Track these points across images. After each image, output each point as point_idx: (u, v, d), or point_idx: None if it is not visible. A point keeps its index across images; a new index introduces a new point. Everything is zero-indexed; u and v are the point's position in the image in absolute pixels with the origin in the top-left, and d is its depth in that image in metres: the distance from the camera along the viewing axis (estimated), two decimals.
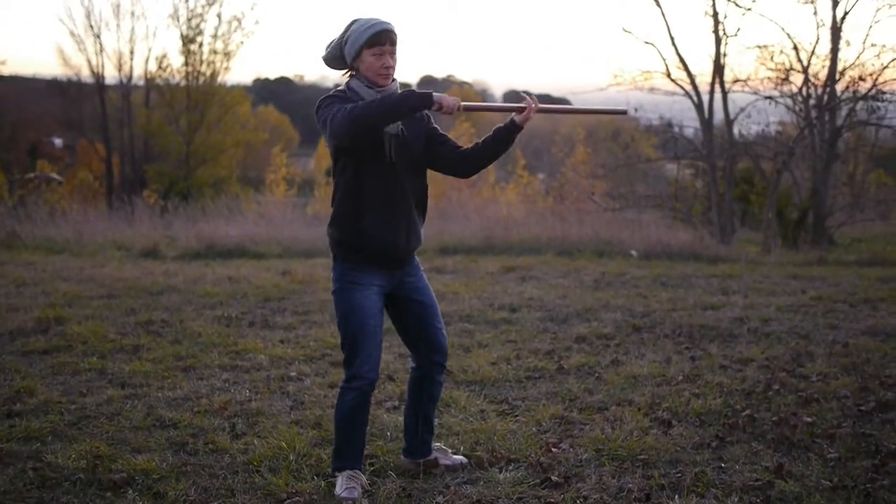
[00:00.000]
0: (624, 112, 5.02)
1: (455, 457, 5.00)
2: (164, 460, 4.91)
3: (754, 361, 7.17)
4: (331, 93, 4.56)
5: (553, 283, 11.04)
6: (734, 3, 17.62)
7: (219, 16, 39.07)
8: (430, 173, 4.80)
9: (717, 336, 8.16)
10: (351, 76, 4.58)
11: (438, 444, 5.09)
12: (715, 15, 17.79)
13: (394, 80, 4.54)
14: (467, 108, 4.55)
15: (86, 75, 41.35)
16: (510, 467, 4.88)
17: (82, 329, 8.06)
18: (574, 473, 4.80)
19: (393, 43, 4.47)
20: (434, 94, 4.36)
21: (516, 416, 5.81)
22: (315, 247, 14.61)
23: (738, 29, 17.96)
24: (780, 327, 8.49)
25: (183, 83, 39.39)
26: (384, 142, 4.49)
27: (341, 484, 4.53)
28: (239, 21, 39.00)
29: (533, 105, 4.57)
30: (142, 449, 5.12)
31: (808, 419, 5.63)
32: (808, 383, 6.52)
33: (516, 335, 8.16)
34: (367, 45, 4.44)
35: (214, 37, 39.04)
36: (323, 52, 4.67)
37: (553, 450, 5.13)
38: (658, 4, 18.41)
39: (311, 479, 4.68)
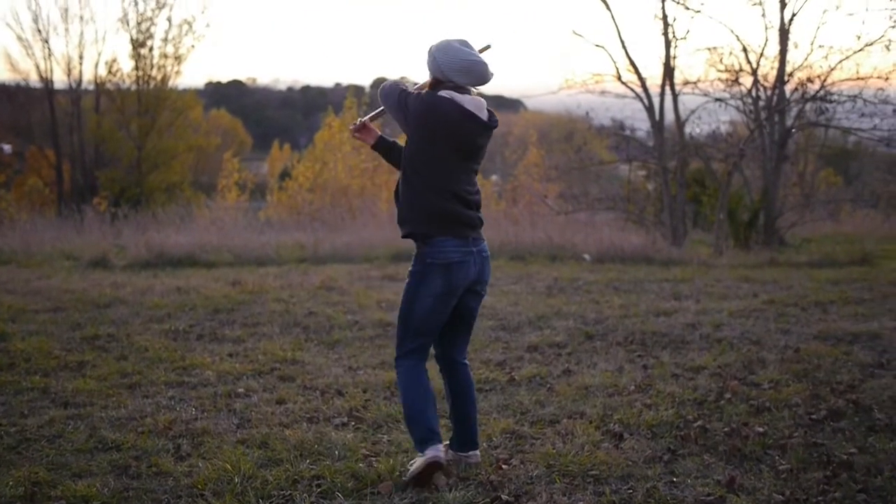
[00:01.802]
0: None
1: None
2: (105, 485, 4.78)
3: (706, 369, 7.15)
4: None
5: (505, 290, 10.98)
6: (683, 5, 17.66)
7: (169, 19, 38.64)
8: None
9: (669, 343, 8.14)
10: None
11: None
12: (664, 18, 17.81)
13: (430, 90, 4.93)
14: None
15: (34, 80, 40.78)
16: (460, 486, 4.81)
17: (26, 345, 7.89)
18: (524, 491, 4.74)
19: None
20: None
21: None
22: (266, 255, 14.48)
23: (688, 31, 18.10)
24: (731, 333, 8.48)
25: (133, 87, 38.95)
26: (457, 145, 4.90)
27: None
28: (190, 24, 38.63)
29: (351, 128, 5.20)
30: (83, 474, 4.99)
31: (760, 429, 5.61)
32: (759, 391, 6.51)
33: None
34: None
35: (165, 40, 38.65)
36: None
37: (503, 466, 5.07)
38: (608, 7, 18.41)
39: (255, 503, 4.58)
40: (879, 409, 6.04)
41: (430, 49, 4.86)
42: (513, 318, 9.20)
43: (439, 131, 4.74)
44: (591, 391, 6.57)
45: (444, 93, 4.79)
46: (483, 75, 4.83)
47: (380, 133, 5.26)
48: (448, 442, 5.17)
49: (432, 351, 5.15)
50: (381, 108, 5.09)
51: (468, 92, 4.86)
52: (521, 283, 11.60)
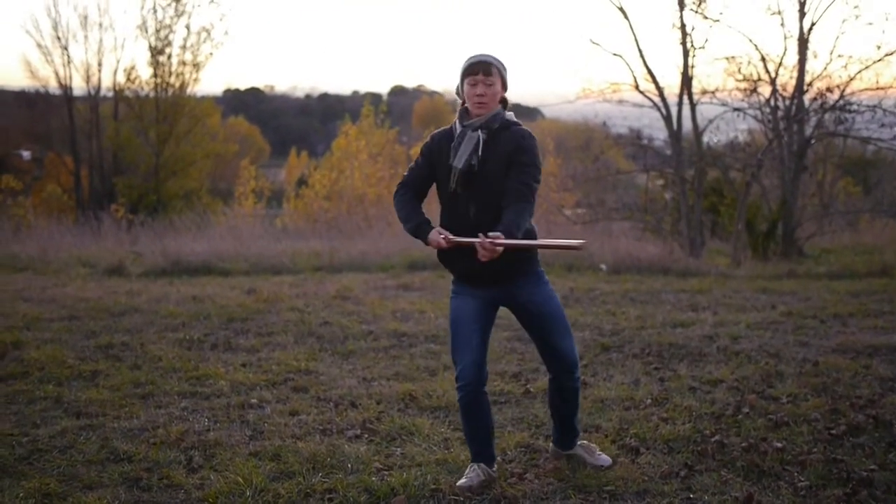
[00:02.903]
0: (578, 247, 4.62)
1: (600, 456, 5.27)
2: (116, 498, 4.75)
3: (724, 382, 7.07)
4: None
5: None
6: (702, 15, 17.58)
7: (188, 27, 38.84)
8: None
9: (686, 355, 8.07)
10: (462, 104, 4.91)
11: (585, 441, 5.40)
12: (683, 27, 17.73)
13: (500, 109, 4.85)
14: (449, 242, 4.74)
15: (53, 87, 41.07)
16: (473, 500, 4.75)
17: (40, 354, 7.87)
18: None
19: (487, 73, 4.76)
20: (428, 237, 4.80)
21: None
22: (282, 263, 14.45)
23: (706, 40, 17.90)
24: (749, 345, 8.40)
25: (152, 95, 39.17)
26: (450, 175, 4.82)
27: (465, 474, 4.95)
28: (208, 32, 38.84)
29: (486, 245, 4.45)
30: (94, 485, 4.96)
31: (779, 444, 5.52)
32: (778, 405, 6.43)
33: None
34: (464, 76, 4.82)
35: (183, 48, 38.85)
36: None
37: (518, 481, 5.01)
38: (626, 16, 18.35)
39: None
40: None
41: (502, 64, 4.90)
42: None
43: None
44: (607, 404, 6.50)
45: (513, 118, 4.91)
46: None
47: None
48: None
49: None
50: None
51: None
52: None
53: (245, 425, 6.06)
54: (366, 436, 5.82)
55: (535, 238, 4.86)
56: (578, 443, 5.32)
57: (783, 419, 6.05)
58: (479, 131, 4.77)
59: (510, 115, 4.85)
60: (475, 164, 4.74)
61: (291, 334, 8.91)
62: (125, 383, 7.04)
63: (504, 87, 4.86)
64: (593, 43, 18.64)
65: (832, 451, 5.47)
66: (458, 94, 4.92)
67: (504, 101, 4.89)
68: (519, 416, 6.29)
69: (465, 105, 4.87)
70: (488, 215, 4.74)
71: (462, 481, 4.88)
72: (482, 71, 4.75)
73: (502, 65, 4.84)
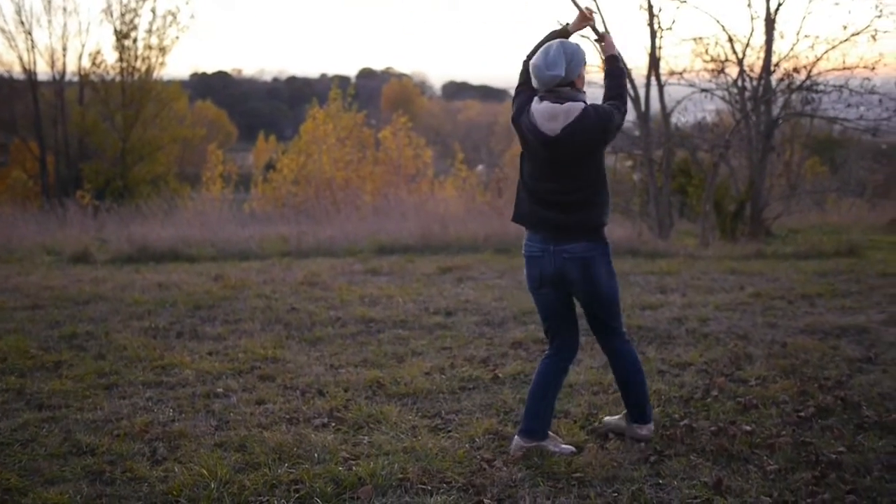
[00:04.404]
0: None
1: (563, 445, 5.26)
2: (78, 492, 4.67)
3: (693, 365, 7.06)
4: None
5: (490, 284, 10.89)
6: None
7: (153, 10, 38.54)
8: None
9: (655, 338, 8.05)
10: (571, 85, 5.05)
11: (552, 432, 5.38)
12: (650, 8, 17.65)
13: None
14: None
15: (17, 72, 40.61)
16: (441, 489, 4.70)
17: (2, 345, 7.77)
18: (508, 495, 4.64)
19: None
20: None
21: (449, 431, 5.63)
22: (249, 248, 14.35)
23: (674, 21, 17.92)
24: (718, 327, 8.40)
25: (118, 79, 38.82)
26: None
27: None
28: (174, 15, 38.55)
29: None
30: (56, 480, 4.87)
31: (748, 428, 5.52)
32: (746, 388, 6.43)
33: (451, 341, 7.99)
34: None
35: (149, 32, 38.55)
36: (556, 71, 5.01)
37: (486, 468, 4.97)
38: None
39: None
40: (868, 406, 5.96)
41: (532, 55, 5.22)
42: (497, 314, 9.10)
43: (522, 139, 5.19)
44: (576, 389, 6.47)
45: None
46: (540, 78, 5.02)
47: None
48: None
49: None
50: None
51: (548, 97, 5.04)
52: (506, 276, 11.49)
53: (210, 415, 5.99)
54: (333, 424, 5.76)
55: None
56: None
57: (752, 402, 6.04)
58: None
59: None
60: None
61: (258, 321, 8.83)
62: (89, 374, 6.94)
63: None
64: (560, 24, 18.54)
65: (801, 434, 5.46)
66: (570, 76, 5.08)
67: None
68: (488, 402, 6.23)
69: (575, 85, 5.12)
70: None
71: (608, 418, 5.60)
72: None
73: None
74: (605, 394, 6.35)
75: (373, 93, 73.34)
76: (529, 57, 5.25)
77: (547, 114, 4.97)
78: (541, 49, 5.07)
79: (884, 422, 5.65)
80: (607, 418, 5.65)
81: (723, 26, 18.18)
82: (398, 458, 5.10)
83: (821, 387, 6.42)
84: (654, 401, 6.11)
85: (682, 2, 17.53)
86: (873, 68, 17.05)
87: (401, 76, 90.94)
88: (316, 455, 5.16)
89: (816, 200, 23.07)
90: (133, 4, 38.12)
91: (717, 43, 18.04)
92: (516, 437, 5.25)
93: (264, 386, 6.64)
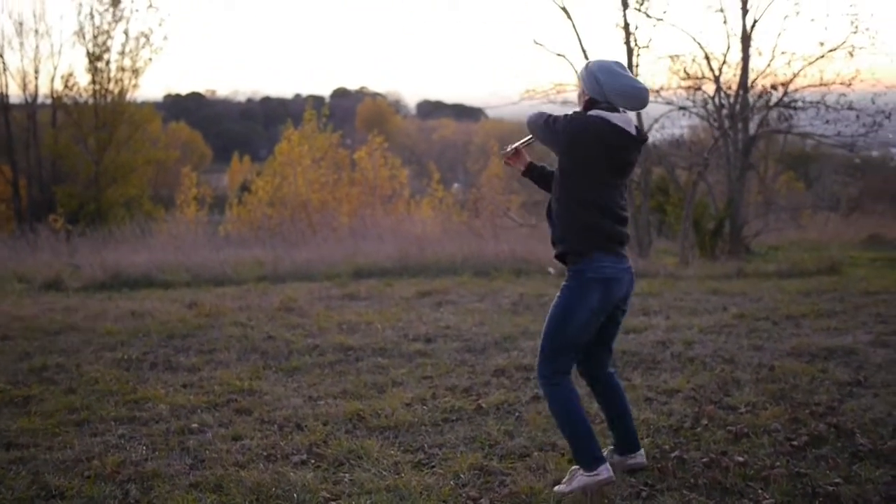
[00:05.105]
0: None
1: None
2: None
3: (680, 392, 6.90)
4: None
5: (470, 308, 10.71)
6: (645, 13, 17.48)
7: (126, 32, 38.14)
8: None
9: (640, 363, 7.89)
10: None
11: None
12: (626, 26, 17.62)
13: (582, 109, 5.03)
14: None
15: None
16: None
17: None
18: None
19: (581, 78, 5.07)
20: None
21: (433, 467, 5.44)
22: (224, 273, 14.14)
23: (650, 39, 17.85)
24: (703, 350, 8.25)
25: (91, 101, 38.44)
26: None
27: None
28: (147, 37, 38.14)
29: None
30: None
31: (740, 458, 5.35)
32: (736, 415, 6.27)
33: (432, 370, 7.80)
34: None
35: (122, 54, 38.16)
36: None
37: None
38: (569, 17, 18.21)
39: None
40: (862, 434, 5.80)
41: (591, 69, 4.99)
42: (478, 339, 8.92)
43: (592, 150, 4.84)
44: None
45: (593, 113, 4.91)
46: (644, 101, 4.98)
47: (530, 159, 5.49)
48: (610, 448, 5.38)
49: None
50: (530, 136, 5.25)
51: (617, 110, 4.97)
52: (487, 300, 11.33)
53: (185, 453, 5.77)
54: (312, 461, 5.56)
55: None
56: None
57: (743, 431, 5.89)
58: None
59: (594, 111, 4.92)
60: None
61: (234, 351, 8.63)
62: (59, 409, 6.71)
63: (584, 89, 5.01)
64: (537, 43, 18.47)
65: (795, 465, 5.30)
66: (599, 95, 5.05)
67: (588, 102, 4.98)
68: (472, 434, 6.04)
69: None
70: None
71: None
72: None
73: (582, 69, 5.06)
74: (592, 424, 6.14)
75: (347, 112, 73.19)
76: (546, 118, 5.04)
77: (624, 120, 4.93)
78: (624, 73, 4.97)
79: (879, 450, 5.49)
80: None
81: (699, 44, 18.18)
82: (381, 497, 4.92)
83: (812, 413, 6.27)
84: (644, 430, 5.95)
85: (658, 20, 17.50)
86: (850, 84, 17.08)
87: (375, 95, 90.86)
88: (295, 495, 4.96)
89: (791, 216, 23.03)
90: (105, 26, 37.78)
91: (693, 60, 18.02)
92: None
93: (241, 420, 6.43)
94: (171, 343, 9.05)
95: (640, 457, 5.31)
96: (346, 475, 5.31)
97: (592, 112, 4.91)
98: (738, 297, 11.19)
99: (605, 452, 5.26)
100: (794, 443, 5.68)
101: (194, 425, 6.31)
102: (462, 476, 5.27)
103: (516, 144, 5.44)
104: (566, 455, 5.53)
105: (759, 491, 4.92)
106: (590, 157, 4.85)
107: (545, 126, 4.97)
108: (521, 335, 9.07)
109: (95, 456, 5.69)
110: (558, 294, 5.00)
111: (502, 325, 9.59)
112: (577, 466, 4.97)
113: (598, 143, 4.82)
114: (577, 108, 5.08)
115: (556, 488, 4.96)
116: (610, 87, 4.88)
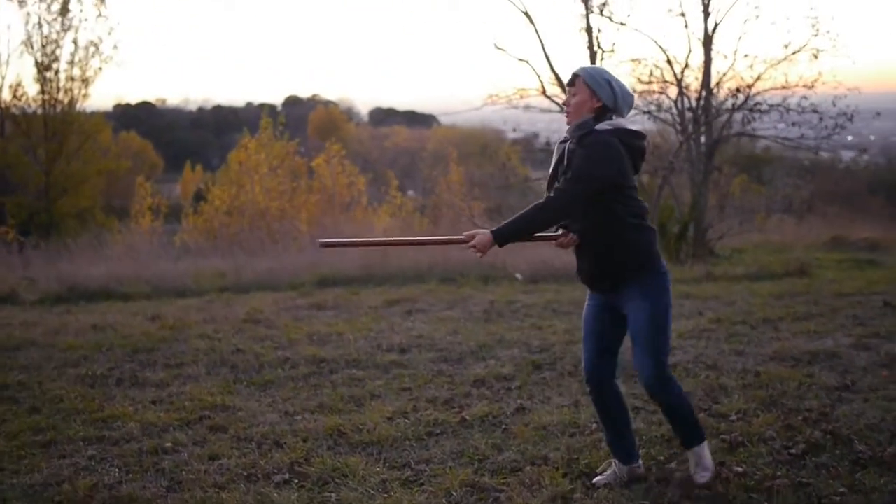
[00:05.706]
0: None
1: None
2: None
3: None
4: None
5: (441, 317, 10.48)
6: (608, 18, 17.36)
7: (75, 42, 37.54)
8: None
9: (622, 371, 7.67)
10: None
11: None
12: (589, 30, 17.50)
13: (590, 117, 4.84)
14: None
15: None
16: None
17: None
18: None
19: (571, 83, 4.92)
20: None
21: (422, 484, 5.21)
22: (185, 284, 13.81)
23: (614, 44, 17.69)
24: (685, 356, 8.09)
25: (39, 111, 37.85)
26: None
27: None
28: (97, 46, 37.60)
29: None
30: None
31: (739, 469, 5.18)
32: (728, 424, 6.10)
33: (410, 381, 7.57)
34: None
35: (71, 63, 37.58)
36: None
37: None
38: (531, 21, 18.05)
39: None
40: (859, 441, 5.65)
41: (604, 77, 4.86)
42: (454, 349, 8.70)
43: (625, 161, 4.79)
44: (551, 431, 6.08)
45: (607, 125, 4.79)
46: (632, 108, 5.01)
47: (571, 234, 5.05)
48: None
49: None
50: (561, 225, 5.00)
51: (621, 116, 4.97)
52: (457, 307, 11.11)
53: (160, 474, 5.50)
54: (295, 480, 5.31)
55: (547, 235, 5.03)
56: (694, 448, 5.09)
57: (738, 439, 5.72)
58: (567, 142, 4.89)
59: (607, 122, 4.80)
60: (560, 173, 4.89)
61: (202, 364, 8.34)
62: (23, 430, 6.41)
63: (595, 96, 4.83)
64: (498, 48, 18.28)
65: (796, 474, 5.14)
66: (611, 102, 4.95)
67: (598, 110, 4.84)
68: (458, 448, 5.82)
69: None
70: (575, 223, 4.91)
71: (598, 478, 5.11)
72: (568, 81, 4.93)
73: (591, 74, 4.87)
74: (582, 435, 5.98)
75: (299, 120, 72.64)
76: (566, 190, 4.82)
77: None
78: (616, 82, 4.89)
79: (879, 457, 5.34)
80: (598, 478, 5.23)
81: (661, 48, 18.06)
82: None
83: (805, 420, 6.12)
84: (637, 441, 5.75)
85: (621, 24, 17.39)
86: (812, 86, 17.07)
87: (327, 103, 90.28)
88: None
89: (747, 218, 23.00)
90: (54, 36, 37.20)
91: (656, 64, 17.93)
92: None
93: (216, 438, 6.16)
94: (136, 357, 8.75)
95: (641, 467, 5.21)
96: (333, 494, 5.08)
97: (606, 125, 4.79)
98: (711, 301, 11.07)
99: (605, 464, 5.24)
100: (792, 451, 5.52)
101: (168, 444, 6.04)
102: (454, 493, 5.04)
103: (563, 240, 5.01)
104: (560, 469, 5.33)
105: (764, 503, 4.75)
106: (624, 168, 4.79)
107: (572, 198, 4.75)
108: (496, 344, 8.86)
109: (65, 479, 5.41)
110: (640, 302, 4.89)
111: (476, 333, 9.38)
112: (690, 451, 5.08)
113: (626, 152, 4.81)
114: (566, 115, 4.97)
115: (698, 476, 4.99)
116: (623, 97, 4.86)
